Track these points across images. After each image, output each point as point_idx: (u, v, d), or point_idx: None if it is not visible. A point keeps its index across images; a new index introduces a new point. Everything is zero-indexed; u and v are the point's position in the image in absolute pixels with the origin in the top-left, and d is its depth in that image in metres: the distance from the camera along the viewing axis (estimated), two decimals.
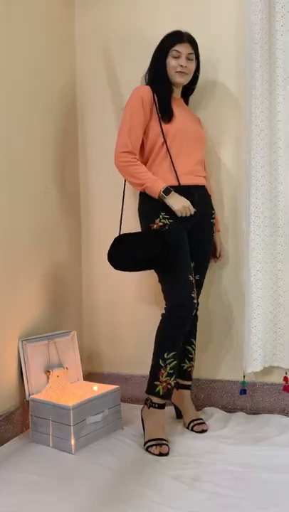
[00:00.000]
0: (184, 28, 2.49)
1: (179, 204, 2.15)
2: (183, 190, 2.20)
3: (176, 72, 2.25)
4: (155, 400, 2.13)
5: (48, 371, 2.29)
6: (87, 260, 2.80)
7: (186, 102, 2.45)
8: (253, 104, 2.30)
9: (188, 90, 2.42)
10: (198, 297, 2.34)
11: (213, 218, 2.38)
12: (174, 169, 2.22)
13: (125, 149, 2.19)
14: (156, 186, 2.15)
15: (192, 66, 2.28)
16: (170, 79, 2.28)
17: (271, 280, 2.38)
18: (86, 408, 2.12)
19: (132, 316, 2.68)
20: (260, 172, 2.31)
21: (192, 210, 2.18)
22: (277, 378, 2.46)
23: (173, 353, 2.11)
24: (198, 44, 2.47)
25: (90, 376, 2.74)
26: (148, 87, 2.25)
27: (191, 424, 2.27)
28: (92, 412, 2.14)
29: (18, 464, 1.95)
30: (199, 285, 2.35)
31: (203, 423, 2.28)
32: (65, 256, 2.66)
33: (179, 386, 2.36)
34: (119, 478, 1.83)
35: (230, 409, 2.50)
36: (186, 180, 2.24)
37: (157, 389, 2.11)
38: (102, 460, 1.97)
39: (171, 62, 2.24)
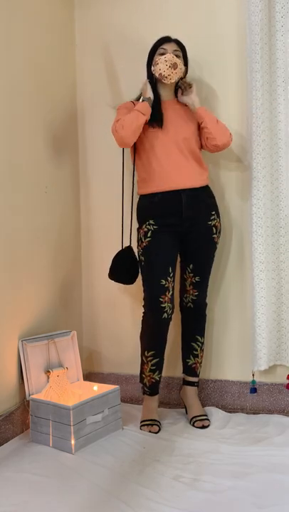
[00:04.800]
0: (184, 29, 2.50)
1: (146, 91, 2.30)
2: (171, 196, 2.26)
3: None
4: (146, 388, 2.37)
5: (48, 371, 2.29)
6: (87, 260, 2.80)
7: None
8: (253, 105, 2.30)
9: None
10: (202, 298, 2.40)
11: (213, 220, 2.33)
12: (161, 175, 2.27)
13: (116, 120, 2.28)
14: (140, 105, 2.25)
15: (178, 62, 2.27)
16: (157, 84, 2.32)
17: (274, 280, 2.39)
18: (86, 408, 2.12)
19: (131, 316, 2.68)
20: (262, 173, 2.32)
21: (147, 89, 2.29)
22: (277, 378, 2.46)
23: (152, 351, 2.32)
24: (199, 45, 2.48)
25: (90, 376, 2.75)
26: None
27: (193, 420, 2.31)
28: (92, 412, 2.14)
29: (18, 464, 1.95)
30: (200, 286, 2.37)
31: (205, 419, 2.31)
32: (65, 256, 2.66)
33: (184, 382, 2.42)
34: (119, 478, 1.83)
35: (230, 409, 2.50)
36: (173, 185, 2.26)
37: (144, 380, 2.36)
38: (102, 460, 1.98)
39: None
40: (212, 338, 2.57)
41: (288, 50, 2.29)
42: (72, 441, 2.04)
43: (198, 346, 2.40)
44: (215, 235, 2.35)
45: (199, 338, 2.40)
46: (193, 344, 2.39)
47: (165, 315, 2.28)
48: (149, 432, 2.24)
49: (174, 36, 2.33)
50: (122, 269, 2.40)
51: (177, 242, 2.32)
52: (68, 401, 2.23)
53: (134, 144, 2.32)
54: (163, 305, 2.26)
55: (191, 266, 2.35)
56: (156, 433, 2.23)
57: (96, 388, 2.34)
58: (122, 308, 2.71)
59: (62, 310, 2.62)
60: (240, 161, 2.49)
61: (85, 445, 2.10)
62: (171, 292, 2.30)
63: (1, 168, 2.17)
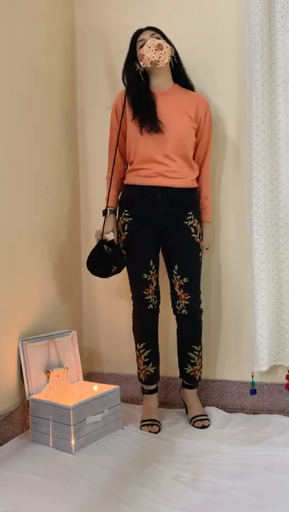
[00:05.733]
0: (184, 28, 2.50)
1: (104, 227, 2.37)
2: (148, 191, 2.27)
3: None
4: (144, 386, 2.40)
5: (48, 371, 2.29)
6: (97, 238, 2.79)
7: (187, 86, 2.38)
8: (253, 105, 2.29)
9: (179, 76, 2.35)
10: (196, 303, 2.33)
11: (190, 220, 2.29)
12: (143, 170, 2.28)
13: (106, 175, 2.42)
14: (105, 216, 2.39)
15: (161, 42, 2.24)
16: (146, 73, 2.31)
17: (274, 280, 2.38)
18: (86, 408, 2.12)
19: (131, 316, 2.67)
20: (261, 172, 2.31)
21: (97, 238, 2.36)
22: (278, 378, 2.46)
23: (143, 343, 2.37)
24: (198, 45, 2.48)
25: (90, 376, 2.74)
26: (121, 93, 2.39)
27: (193, 420, 2.31)
28: (92, 412, 2.14)
29: (18, 464, 1.95)
30: (190, 289, 2.29)
31: (205, 419, 2.31)
32: (65, 256, 2.66)
33: (183, 384, 2.41)
34: (119, 478, 1.83)
35: (230, 409, 2.50)
36: (152, 182, 2.27)
37: (140, 376, 2.40)
38: (102, 460, 1.98)
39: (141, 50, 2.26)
40: (212, 338, 2.57)
41: (288, 50, 2.29)
42: (72, 441, 2.04)
43: (196, 355, 2.34)
44: (195, 235, 2.30)
45: (196, 347, 2.34)
46: (190, 354, 2.34)
47: (151, 306, 2.34)
48: (149, 431, 2.24)
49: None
50: (95, 262, 2.35)
51: (154, 234, 2.31)
52: (68, 401, 2.23)
53: (125, 135, 2.35)
54: (147, 297, 2.32)
55: (176, 267, 2.29)
56: (156, 433, 2.23)
57: (96, 388, 2.34)
58: (122, 309, 2.71)
59: (62, 310, 2.62)
60: (240, 161, 2.49)
61: (85, 445, 2.10)
62: (155, 284, 2.33)
63: (0, 168, 2.17)
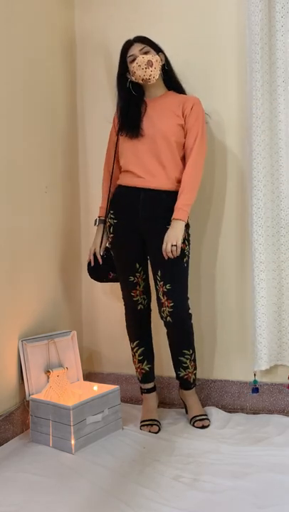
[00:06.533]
0: (184, 29, 2.50)
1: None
2: (131, 192, 2.29)
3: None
4: (142, 385, 2.43)
5: (48, 371, 2.29)
6: (86, 260, 2.80)
7: (180, 91, 2.37)
8: (253, 105, 2.30)
9: (171, 82, 2.35)
10: (181, 310, 2.24)
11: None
12: (128, 172, 2.32)
13: (103, 184, 2.47)
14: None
15: (151, 57, 2.23)
16: (138, 86, 2.32)
17: (274, 280, 2.38)
18: (86, 408, 2.12)
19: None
20: (262, 173, 2.31)
21: (90, 258, 2.43)
22: (277, 378, 2.46)
23: (136, 341, 2.41)
24: (198, 45, 2.48)
25: (90, 376, 2.75)
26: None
27: (193, 420, 2.31)
28: (92, 412, 2.14)
29: (18, 464, 1.95)
30: (173, 296, 2.21)
31: (205, 419, 2.31)
32: (65, 256, 2.66)
33: (180, 386, 2.41)
34: (119, 478, 1.83)
35: (230, 409, 2.50)
36: (135, 182, 2.28)
37: (137, 374, 2.44)
38: (102, 460, 1.98)
39: (132, 67, 2.25)
40: (212, 338, 2.57)
41: (288, 50, 2.29)
42: (72, 441, 2.04)
43: (187, 359, 2.30)
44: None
45: (187, 352, 2.29)
46: (181, 358, 2.30)
47: (140, 306, 2.38)
48: (149, 431, 2.24)
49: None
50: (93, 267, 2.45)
51: (138, 236, 2.30)
52: (68, 401, 2.23)
53: (117, 136, 2.38)
54: (135, 299, 2.37)
55: (159, 273, 2.24)
56: (156, 433, 2.24)
57: (96, 388, 2.34)
58: (122, 309, 2.71)
59: (62, 310, 2.62)
60: (240, 161, 2.49)
61: (85, 445, 2.10)
62: (142, 285, 2.37)
63: (0, 168, 2.17)
